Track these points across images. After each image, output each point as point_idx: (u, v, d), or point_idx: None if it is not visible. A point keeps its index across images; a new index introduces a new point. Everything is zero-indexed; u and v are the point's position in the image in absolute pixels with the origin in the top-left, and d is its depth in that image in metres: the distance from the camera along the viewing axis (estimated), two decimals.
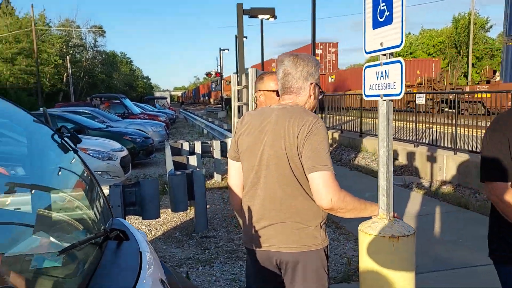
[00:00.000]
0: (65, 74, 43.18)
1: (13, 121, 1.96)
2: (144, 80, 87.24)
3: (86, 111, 13.13)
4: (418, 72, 24.03)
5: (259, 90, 2.50)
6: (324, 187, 1.68)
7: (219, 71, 46.34)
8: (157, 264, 1.79)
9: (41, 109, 2.28)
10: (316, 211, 1.84)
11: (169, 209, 5.41)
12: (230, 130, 12.08)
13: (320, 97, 2.00)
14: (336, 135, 12.51)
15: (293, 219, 1.82)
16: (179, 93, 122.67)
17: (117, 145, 8.51)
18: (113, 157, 7.81)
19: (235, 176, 2.04)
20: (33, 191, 1.72)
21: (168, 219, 5.92)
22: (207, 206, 5.49)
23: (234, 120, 7.82)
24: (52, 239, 1.63)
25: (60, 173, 1.98)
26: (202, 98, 78.07)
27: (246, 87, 7.22)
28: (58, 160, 2.02)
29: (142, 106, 24.32)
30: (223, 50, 42.64)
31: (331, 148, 11.44)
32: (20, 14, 43.01)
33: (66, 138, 1.97)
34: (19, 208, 1.64)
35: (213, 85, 65.52)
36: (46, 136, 1.93)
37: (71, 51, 46.09)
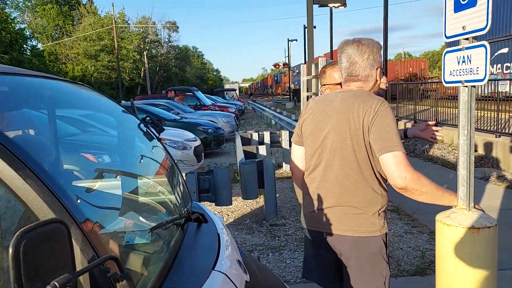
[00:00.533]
0: (142, 69, 45.77)
1: (105, 111, 2.16)
2: (214, 73, 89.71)
3: (162, 103, 13.82)
4: (411, 69, 29.51)
5: (323, 85, 2.44)
6: (396, 166, 1.65)
7: (287, 62, 46.20)
8: (234, 246, 1.88)
9: (130, 100, 2.49)
10: (375, 197, 1.82)
11: (240, 197, 5.57)
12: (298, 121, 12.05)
13: (382, 77, 1.96)
14: (409, 125, 11.98)
15: (352, 204, 1.82)
16: (247, 85, 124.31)
17: (190, 135, 8.93)
18: (187, 146, 8.21)
19: (298, 160, 2.08)
20: (120, 176, 1.88)
21: (239, 206, 6.10)
22: (277, 195, 5.57)
23: None
24: (139, 219, 1.78)
25: (144, 159, 2.14)
26: (268, 89, 78.46)
27: (316, 77, 7.17)
28: (143, 147, 2.20)
29: (213, 98, 25.09)
30: (291, 40, 42.46)
31: (403, 139, 10.97)
32: (102, 13, 46.29)
33: (150, 127, 2.14)
34: (108, 192, 1.80)
35: (276, 78, 65.54)
36: (133, 125, 2.11)
37: (147, 47, 48.61)
